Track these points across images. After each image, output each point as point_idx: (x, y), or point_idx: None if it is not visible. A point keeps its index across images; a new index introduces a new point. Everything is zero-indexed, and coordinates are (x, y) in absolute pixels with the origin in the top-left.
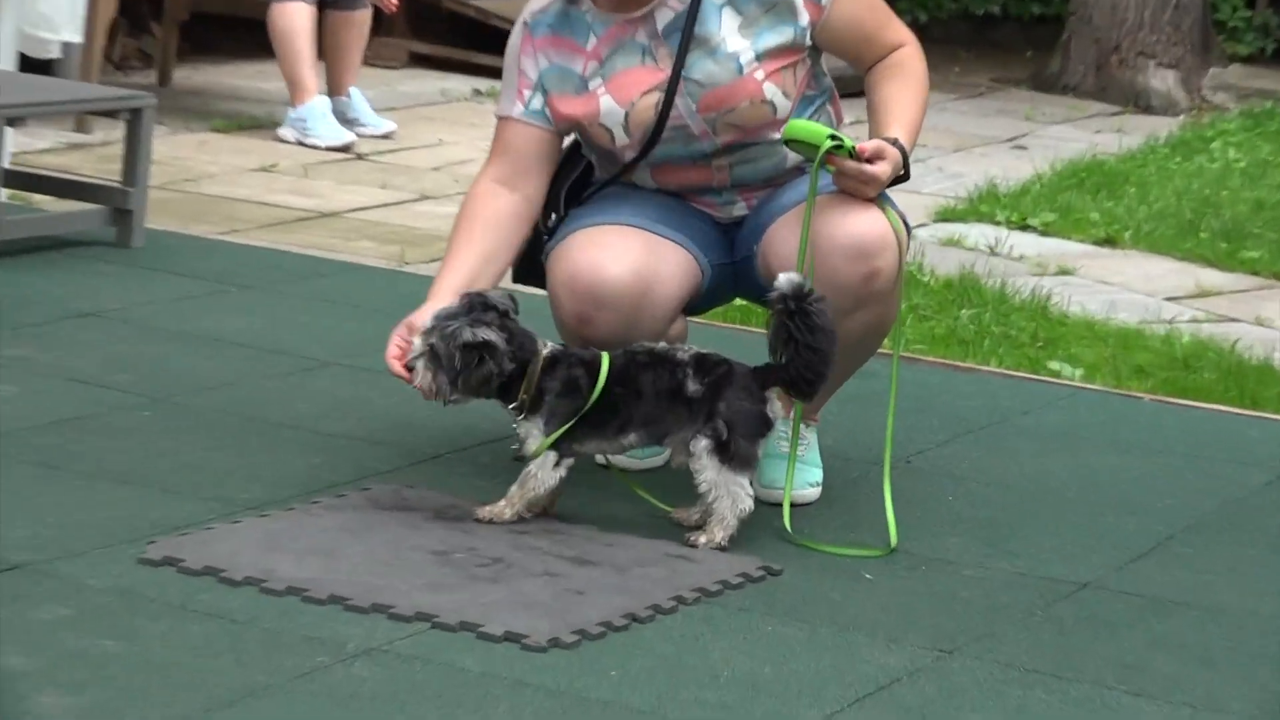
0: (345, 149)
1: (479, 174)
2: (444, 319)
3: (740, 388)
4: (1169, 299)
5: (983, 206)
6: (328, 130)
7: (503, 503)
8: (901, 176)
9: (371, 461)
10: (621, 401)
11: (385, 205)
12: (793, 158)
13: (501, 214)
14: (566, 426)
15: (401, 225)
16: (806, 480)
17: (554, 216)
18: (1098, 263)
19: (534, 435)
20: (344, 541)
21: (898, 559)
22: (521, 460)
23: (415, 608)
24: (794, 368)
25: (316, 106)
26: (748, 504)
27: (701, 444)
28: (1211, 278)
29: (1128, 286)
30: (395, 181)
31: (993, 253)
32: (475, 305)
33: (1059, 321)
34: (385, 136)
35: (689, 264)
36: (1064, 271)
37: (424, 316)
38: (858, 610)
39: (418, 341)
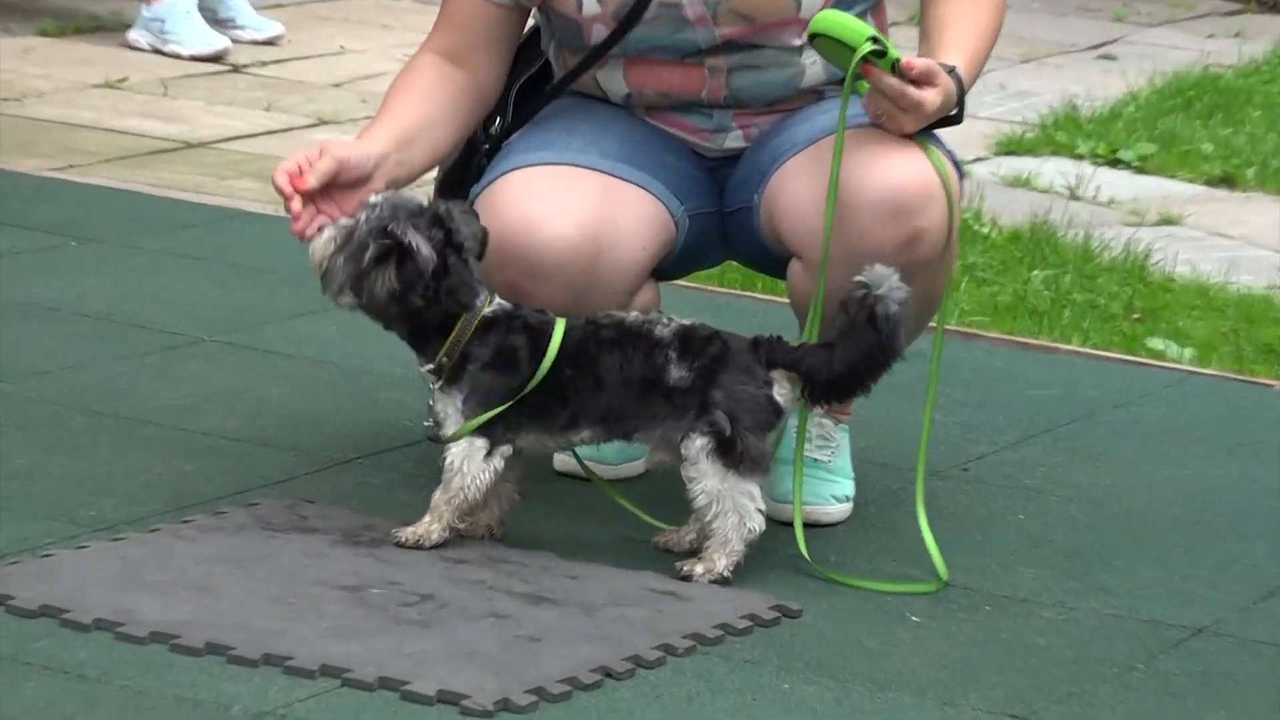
0: (217, 58)
1: (418, 50)
2: (392, 200)
3: (739, 367)
4: None
5: (1059, 135)
6: (193, 34)
7: (427, 519)
8: (951, 117)
9: (259, 469)
10: (573, 388)
11: (270, 133)
12: (810, 75)
13: (445, 86)
14: (494, 412)
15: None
16: (832, 494)
17: (498, 123)
18: (1211, 209)
19: (451, 415)
20: (225, 573)
21: (953, 597)
22: (436, 443)
23: (320, 660)
24: (832, 366)
25: (179, 1)
26: (758, 522)
27: (697, 444)
28: None
29: (1251, 240)
30: (283, 102)
31: (1073, 196)
32: (438, 212)
33: (1162, 286)
34: (269, 42)
35: (657, 214)
36: (1167, 220)
37: (351, 151)
38: (901, 664)
39: (335, 227)
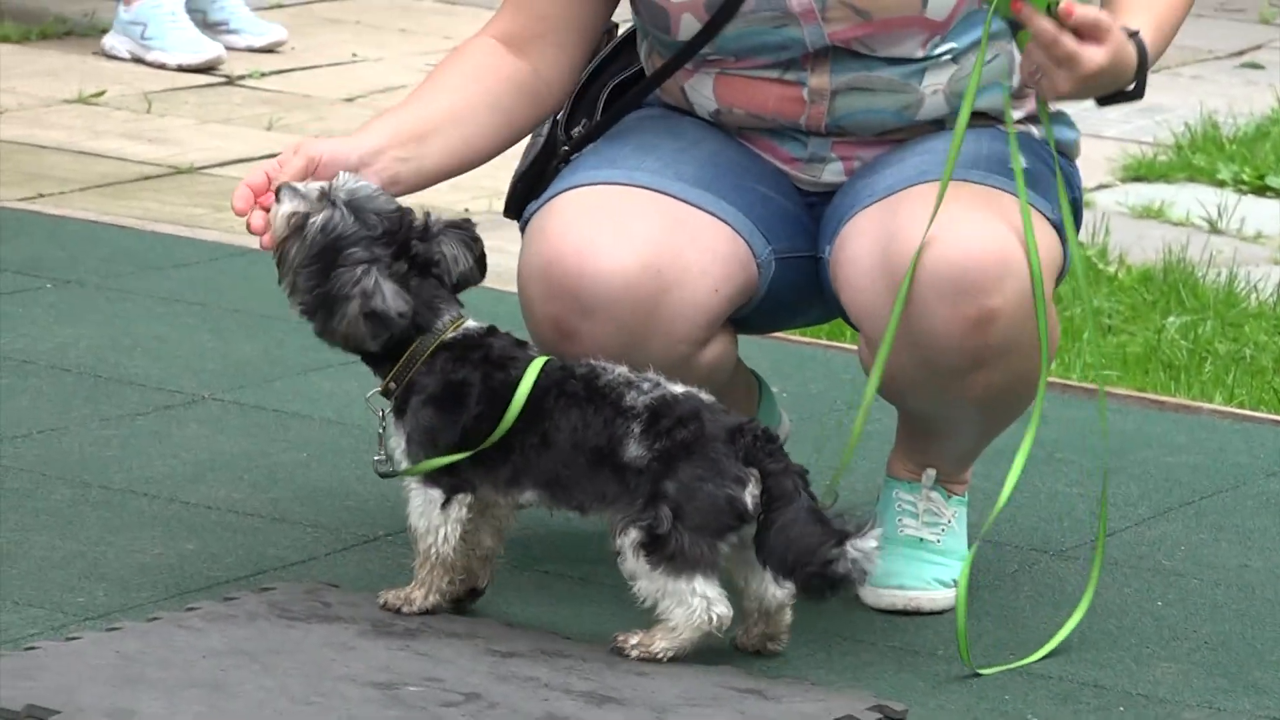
0: (208, 68)
1: (476, 33)
2: (356, 201)
3: (705, 458)
4: None
5: (1197, 158)
6: (180, 40)
7: (413, 584)
8: (1129, 93)
9: (272, 548)
10: (518, 441)
11: (273, 156)
12: (929, 106)
13: (493, 75)
14: (440, 461)
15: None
16: (937, 577)
17: (584, 125)
18: None
19: (396, 453)
20: (238, 669)
21: (1082, 696)
22: (385, 479)
23: None
24: (784, 535)
25: (163, 2)
26: (719, 611)
27: (629, 538)
28: None
29: None
30: (288, 120)
31: (1214, 229)
32: (401, 228)
33: None
34: (269, 49)
35: (737, 252)
36: None
37: (329, 147)
38: None
39: (296, 195)
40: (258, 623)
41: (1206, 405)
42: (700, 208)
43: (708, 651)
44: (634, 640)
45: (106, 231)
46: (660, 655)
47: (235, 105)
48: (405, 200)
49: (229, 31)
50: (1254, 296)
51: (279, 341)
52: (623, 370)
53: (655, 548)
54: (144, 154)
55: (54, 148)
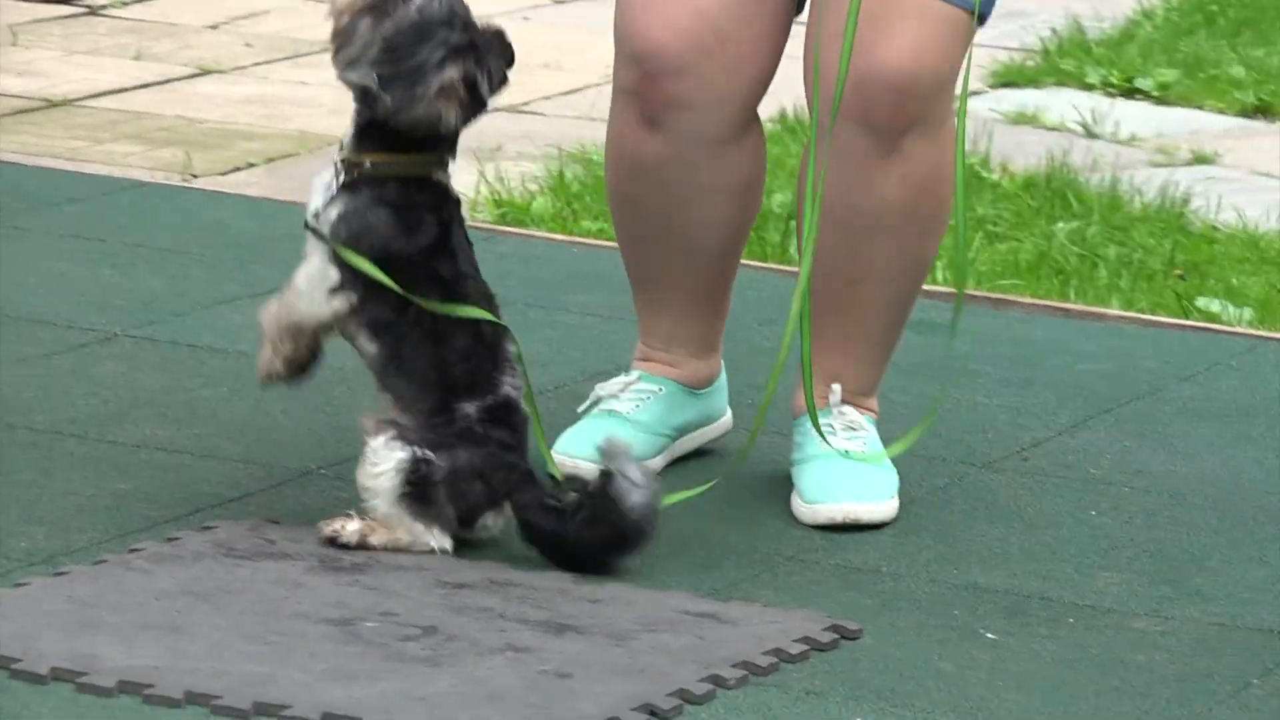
0: None
1: None
2: None
3: (492, 466)
4: None
5: (1065, 62)
6: None
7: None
8: None
9: (207, 485)
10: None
11: (145, 86)
12: None
13: None
14: (363, 264)
15: (175, 116)
16: (870, 486)
17: None
18: (1250, 144)
19: (332, 213)
20: (191, 610)
21: (1030, 608)
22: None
23: (321, 708)
24: (563, 532)
25: None
26: (445, 547)
27: (398, 454)
28: None
29: None
30: (155, 49)
31: (1089, 133)
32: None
33: (1205, 237)
34: None
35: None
36: (1201, 159)
37: None
38: (984, 689)
39: None
40: (204, 562)
41: (1111, 312)
42: None
43: (657, 574)
44: (351, 527)
45: None
46: (375, 544)
47: (100, 35)
48: None
49: None
50: (1137, 200)
51: (183, 275)
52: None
53: (417, 484)
54: (13, 87)
55: None
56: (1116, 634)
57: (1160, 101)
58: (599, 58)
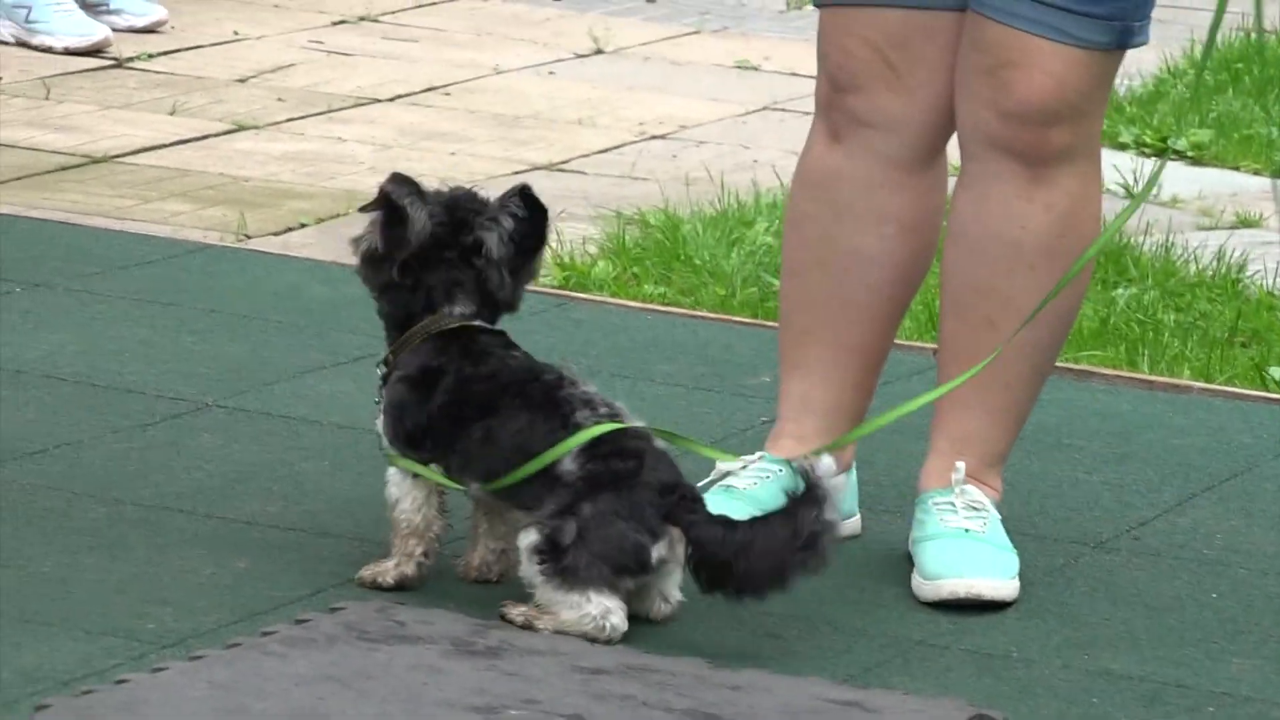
0: (96, 51)
1: None
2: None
3: (629, 499)
4: None
5: None
6: (66, 23)
7: (389, 558)
8: None
9: (325, 563)
10: (465, 433)
11: (184, 142)
12: None
13: None
14: (413, 466)
15: (219, 174)
16: (990, 564)
17: None
18: None
19: (378, 422)
20: (336, 696)
21: (1168, 696)
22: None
23: None
24: (726, 544)
25: None
26: (613, 621)
27: (527, 539)
28: None
29: None
30: (189, 104)
31: (1129, 194)
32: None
33: (1264, 303)
34: (150, 29)
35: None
36: (1245, 222)
37: None
38: None
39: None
40: (338, 646)
41: (1195, 384)
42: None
43: (788, 659)
44: (520, 611)
45: (55, 230)
46: (546, 628)
47: (132, 90)
48: None
49: (109, 12)
50: (1192, 265)
51: (264, 343)
52: (590, 389)
53: (551, 557)
54: (54, 143)
55: None
56: None
57: (1195, 162)
58: (632, 115)
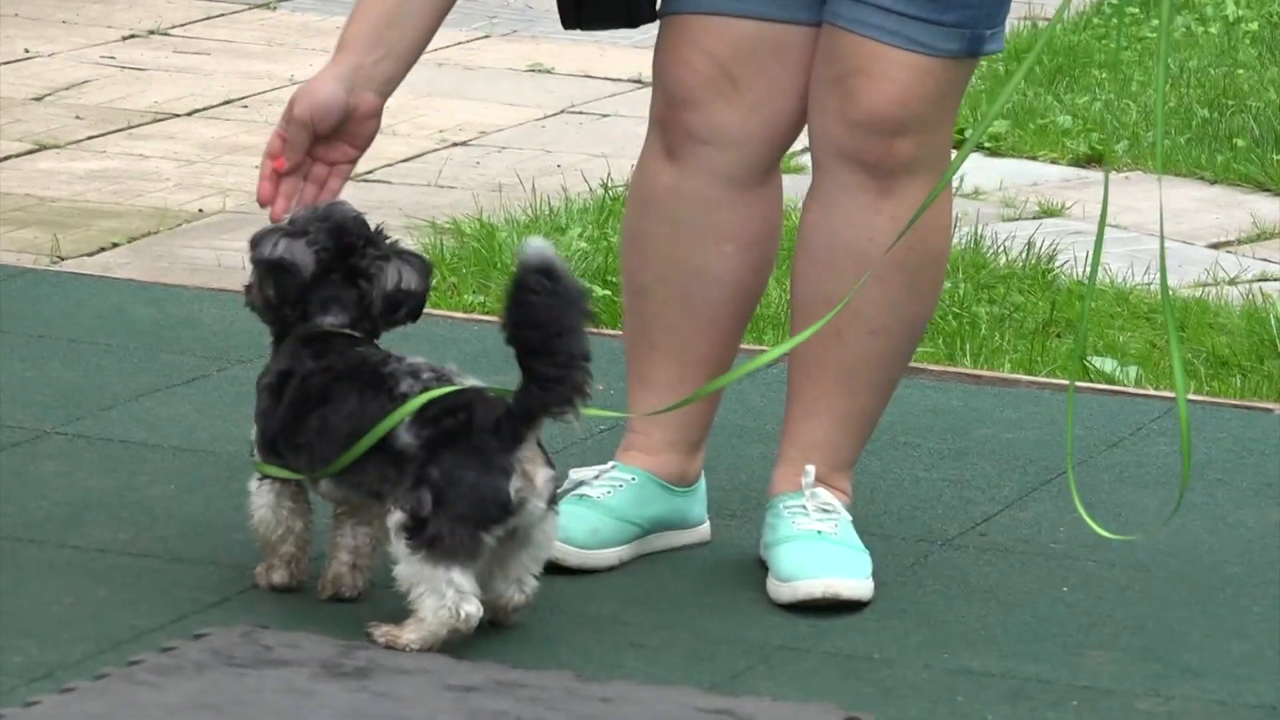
0: None
1: None
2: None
3: (472, 447)
4: (1215, 244)
5: None
6: None
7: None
8: None
9: (183, 589)
10: (303, 427)
11: None
12: None
13: None
14: (270, 469)
15: (25, 195)
16: (844, 565)
17: None
18: (1091, 194)
19: (252, 432)
20: None
21: (1030, 691)
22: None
23: None
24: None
25: None
26: (469, 610)
27: (393, 518)
28: (1269, 209)
29: (1146, 229)
30: None
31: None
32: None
33: (1074, 293)
34: None
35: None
36: (1048, 212)
37: (320, 101)
38: None
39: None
40: (208, 673)
41: (1022, 377)
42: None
43: (654, 667)
44: (382, 629)
45: None
46: (406, 647)
47: None
48: None
49: None
50: (1002, 256)
51: (95, 367)
52: (416, 361)
53: (416, 531)
54: None
55: None
56: (1123, 715)
57: (993, 153)
58: (431, 122)
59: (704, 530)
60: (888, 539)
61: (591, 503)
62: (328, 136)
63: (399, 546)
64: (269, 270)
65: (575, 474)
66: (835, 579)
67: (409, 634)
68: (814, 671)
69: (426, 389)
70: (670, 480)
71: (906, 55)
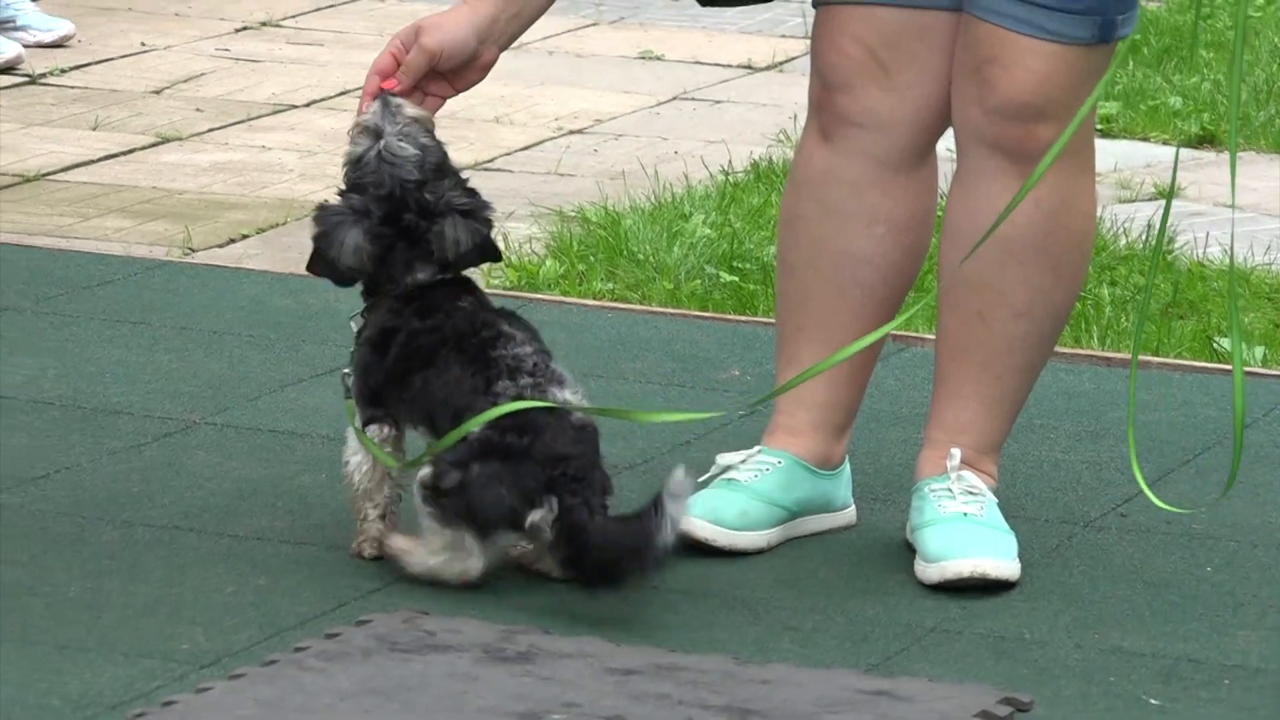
0: (8, 68)
1: None
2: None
3: (519, 470)
4: None
5: None
6: None
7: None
8: None
9: (342, 576)
10: (408, 382)
11: (111, 157)
12: None
13: None
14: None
15: (151, 188)
16: (991, 546)
17: None
18: (1205, 175)
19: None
20: (380, 709)
21: (1183, 671)
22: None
23: None
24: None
25: None
26: (466, 566)
27: (422, 472)
28: None
29: (1265, 209)
30: (110, 117)
31: None
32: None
33: (1195, 274)
34: (57, 44)
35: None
36: (1164, 194)
37: (447, 38)
38: None
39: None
40: (374, 659)
41: (1153, 359)
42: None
43: (809, 650)
44: (395, 540)
45: (9, 251)
46: (403, 563)
47: (50, 106)
48: None
49: (17, 29)
50: (1122, 238)
51: (240, 358)
52: (524, 351)
53: (433, 495)
54: None
55: None
56: (1276, 694)
57: (1105, 134)
58: (546, 110)
59: (850, 514)
60: (1031, 521)
61: (739, 486)
62: (439, 71)
63: (417, 494)
64: (334, 267)
65: (722, 458)
66: (983, 559)
67: (413, 556)
68: (967, 653)
69: (520, 396)
70: (815, 463)
71: (1040, 44)
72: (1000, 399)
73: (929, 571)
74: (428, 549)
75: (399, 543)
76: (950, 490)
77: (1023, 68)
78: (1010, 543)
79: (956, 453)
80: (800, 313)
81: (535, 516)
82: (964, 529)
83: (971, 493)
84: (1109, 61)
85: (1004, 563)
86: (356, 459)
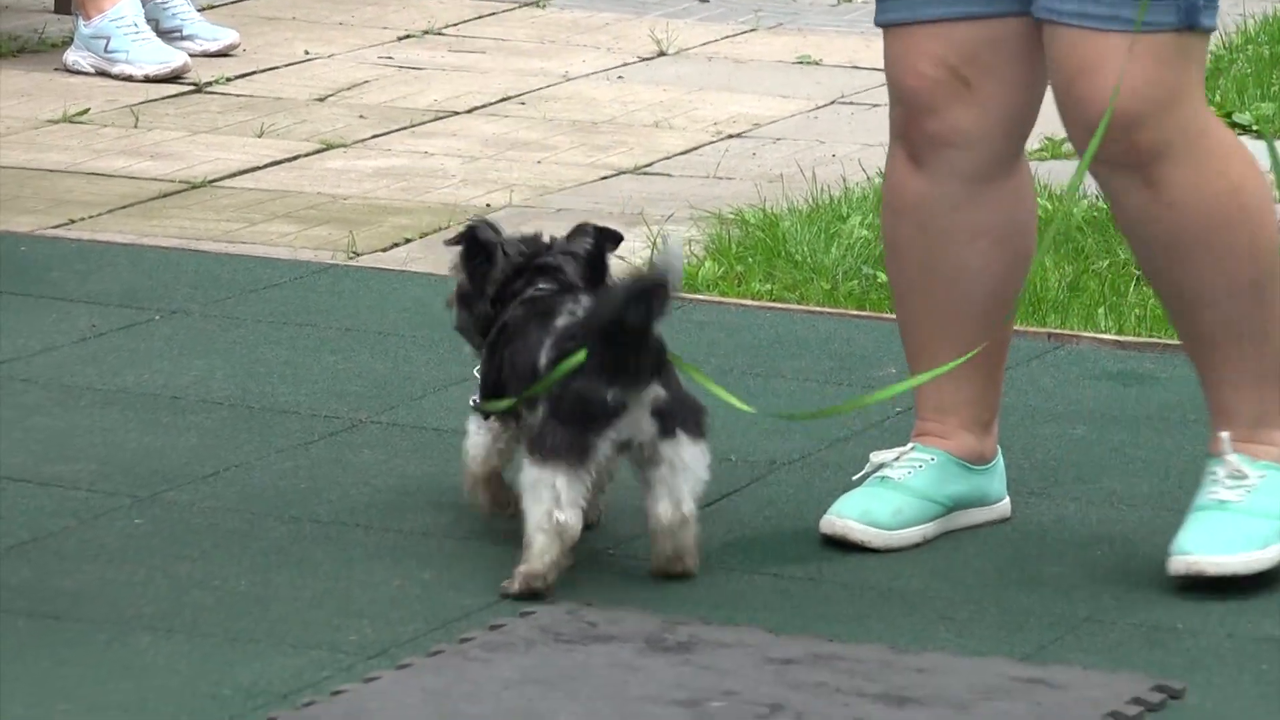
0: (174, 77)
1: None
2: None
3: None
4: None
5: None
6: (145, 51)
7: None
8: None
9: (507, 570)
10: (503, 367)
11: (276, 164)
12: None
13: None
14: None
15: (316, 193)
16: (1230, 537)
17: None
18: None
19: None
20: (545, 697)
21: None
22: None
23: None
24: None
25: (124, 14)
26: (563, 518)
27: (524, 434)
28: None
29: None
30: (275, 124)
31: None
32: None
33: None
34: (222, 53)
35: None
36: None
37: None
38: None
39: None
40: (537, 649)
41: None
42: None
43: (965, 638)
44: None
45: (178, 257)
46: (503, 591)
47: (216, 113)
48: None
49: (183, 38)
50: None
51: (404, 358)
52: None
53: (536, 442)
54: (150, 170)
55: (60, 170)
56: None
57: (1260, 136)
58: (705, 115)
59: (1004, 507)
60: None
61: (893, 484)
62: None
63: (523, 458)
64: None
65: (875, 456)
66: (1203, 557)
67: (515, 582)
68: (1120, 642)
69: (568, 319)
70: (968, 460)
71: (1124, 39)
72: (1248, 375)
73: (1169, 563)
74: (528, 547)
75: (507, 585)
76: (1217, 474)
77: (1111, 74)
78: (1257, 532)
79: (1225, 436)
80: (922, 331)
81: (615, 393)
82: (1209, 521)
83: (1235, 477)
84: (1200, 53)
85: (1226, 558)
86: (470, 443)
